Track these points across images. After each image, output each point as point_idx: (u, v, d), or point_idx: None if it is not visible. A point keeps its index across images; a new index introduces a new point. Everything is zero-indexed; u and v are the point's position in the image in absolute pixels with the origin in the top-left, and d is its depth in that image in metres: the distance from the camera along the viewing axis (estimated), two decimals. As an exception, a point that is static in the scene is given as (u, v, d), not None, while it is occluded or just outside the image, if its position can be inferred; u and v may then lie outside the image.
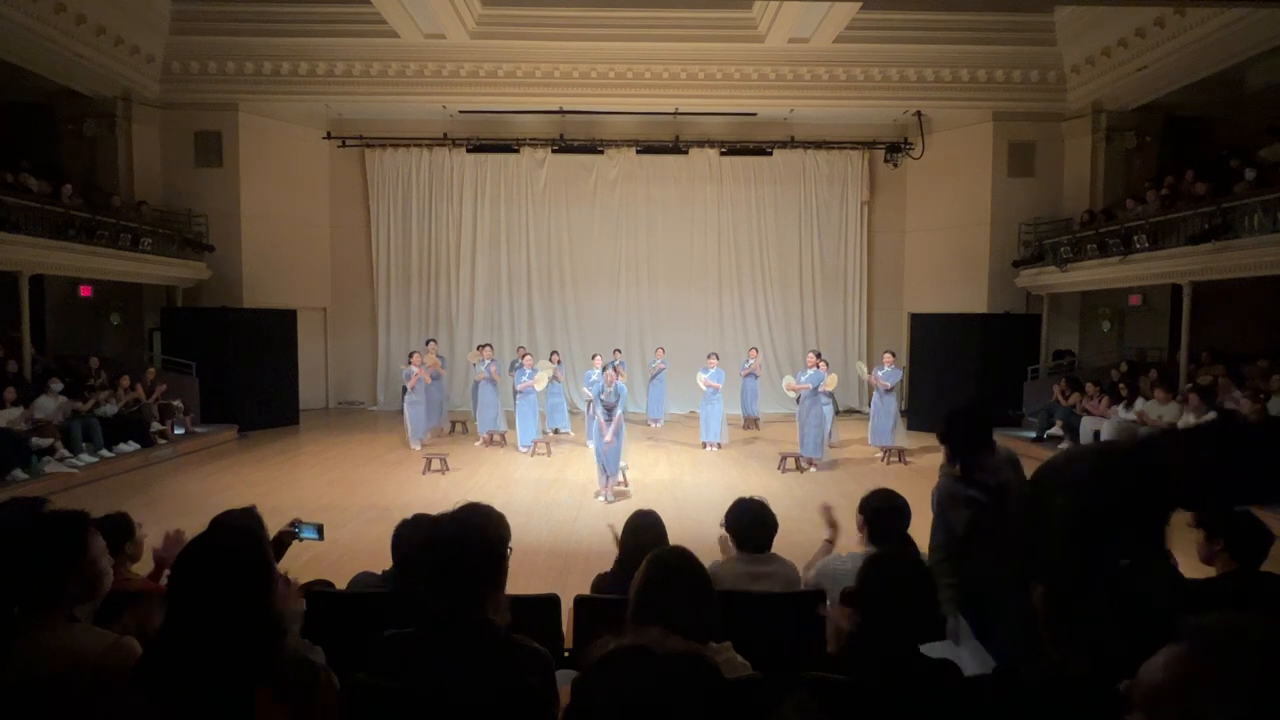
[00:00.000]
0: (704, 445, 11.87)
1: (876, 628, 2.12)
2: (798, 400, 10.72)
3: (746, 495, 3.46)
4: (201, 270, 13.87)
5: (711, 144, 15.56)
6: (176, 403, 12.16)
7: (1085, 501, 1.92)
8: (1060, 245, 12.87)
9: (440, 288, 16.24)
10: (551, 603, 3.15)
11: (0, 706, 1.71)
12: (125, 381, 11.50)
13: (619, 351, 14.44)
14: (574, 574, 5.81)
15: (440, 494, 8.72)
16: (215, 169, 14.20)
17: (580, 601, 3.15)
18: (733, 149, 15.42)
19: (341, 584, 3.39)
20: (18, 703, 1.71)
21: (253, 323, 13.83)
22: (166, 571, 3.21)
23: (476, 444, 12.09)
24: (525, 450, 11.41)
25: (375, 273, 16.27)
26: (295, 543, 3.32)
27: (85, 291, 13.29)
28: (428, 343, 13.47)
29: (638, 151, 15.53)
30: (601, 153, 15.54)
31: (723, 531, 3.47)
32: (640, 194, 16.09)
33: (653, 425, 13.97)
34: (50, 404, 9.93)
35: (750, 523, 3.31)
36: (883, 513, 3.21)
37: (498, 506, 1.99)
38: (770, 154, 15.50)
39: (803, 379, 10.64)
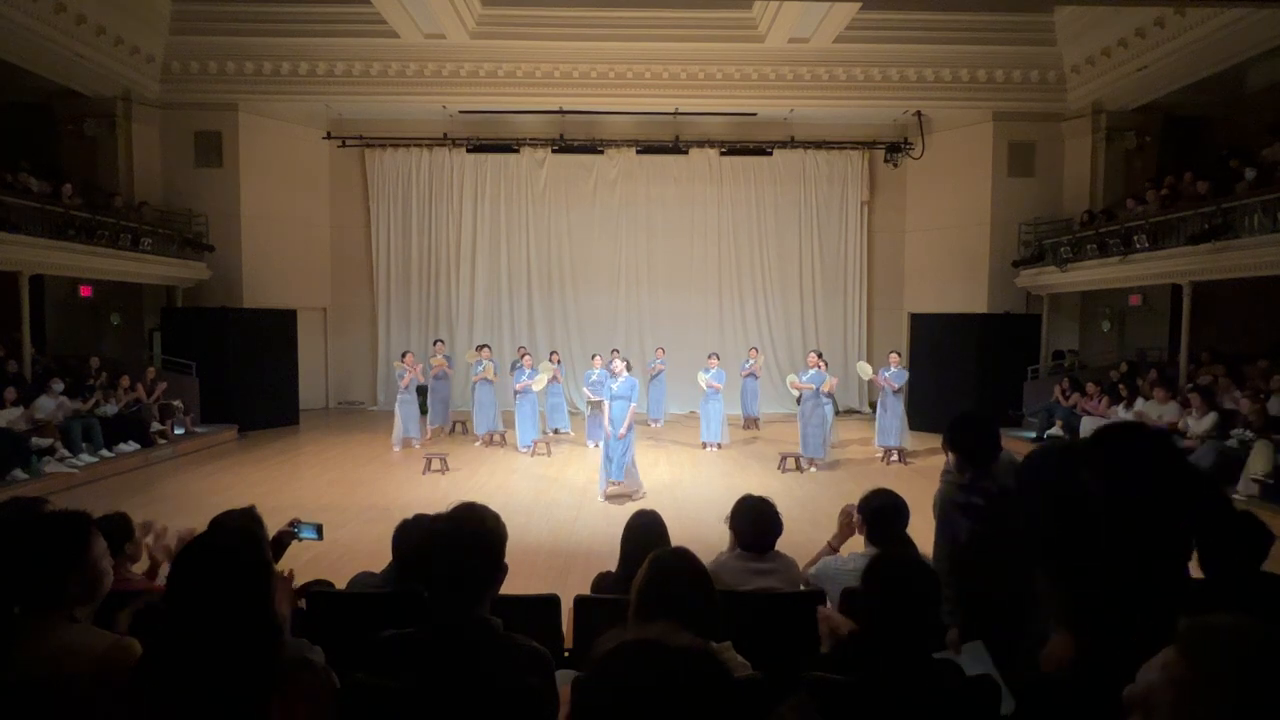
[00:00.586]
0: (704, 445, 11.87)
1: (880, 629, 2.12)
2: (798, 400, 10.72)
3: (753, 494, 3.45)
4: (201, 270, 13.87)
5: (711, 144, 15.56)
6: (176, 403, 12.17)
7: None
8: (1060, 245, 12.87)
9: (440, 288, 16.24)
10: (551, 603, 3.15)
11: (3, 705, 1.71)
12: (125, 381, 11.50)
13: (617, 351, 14.43)
14: (574, 574, 5.81)
15: (440, 494, 8.72)
16: (215, 169, 14.20)
17: (580, 601, 3.15)
18: (733, 149, 15.42)
19: (341, 584, 3.39)
20: (18, 703, 1.71)
21: (253, 323, 13.83)
22: (163, 571, 3.22)
23: (476, 444, 12.09)
24: (525, 450, 11.41)
25: (375, 273, 16.27)
26: (295, 543, 3.32)
27: (85, 291, 13.29)
28: (435, 343, 13.48)
29: (638, 151, 15.53)
30: (601, 153, 15.54)
31: (728, 531, 3.47)
32: (640, 194, 16.09)
33: (653, 425, 13.96)
34: (50, 404, 9.92)
35: (755, 521, 3.31)
36: (882, 513, 3.20)
37: (498, 506, 1.99)
38: (770, 154, 15.50)
39: (804, 379, 10.64)
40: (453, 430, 13.12)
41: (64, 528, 1.94)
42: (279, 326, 14.21)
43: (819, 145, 15.66)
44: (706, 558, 2.40)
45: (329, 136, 15.55)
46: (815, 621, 2.95)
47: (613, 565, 3.51)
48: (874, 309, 16.41)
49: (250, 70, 13.80)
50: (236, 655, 1.62)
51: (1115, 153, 13.91)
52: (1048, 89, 13.86)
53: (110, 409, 10.94)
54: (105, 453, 10.33)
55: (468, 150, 15.45)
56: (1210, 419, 9.29)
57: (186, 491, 9.11)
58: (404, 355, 12.18)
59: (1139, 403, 10.62)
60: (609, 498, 8.74)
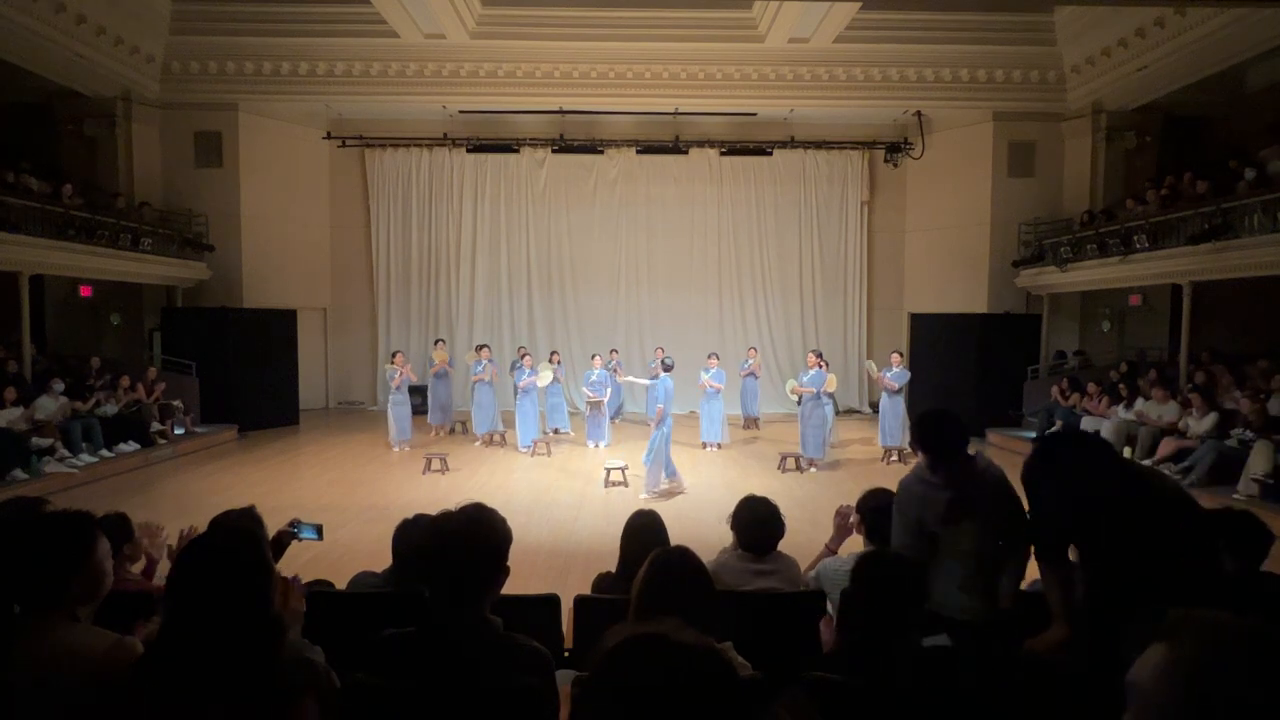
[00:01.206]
0: (704, 445, 11.87)
1: (870, 624, 2.13)
2: (799, 401, 10.72)
3: (755, 494, 3.45)
4: (201, 270, 13.87)
5: (711, 144, 15.56)
6: (176, 403, 12.16)
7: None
8: (1060, 245, 12.87)
9: (440, 288, 16.24)
10: (551, 603, 3.14)
11: (7, 705, 1.71)
12: (125, 381, 11.50)
13: (615, 352, 14.45)
14: (574, 574, 5.80)
15: (440, 494, 8.72)
16: (215, 169, 14.20)
17: (580, 601, 3.15)
18: (733, 149, 15.42)
19: (341, 584, 3.39)
20: (21, 702, 1.71)
21: (253, 323, 13.83)
22: (164, 570, 3.22)
23: (476, 444, 12.09)
24: (525, 450, 11.41)
25: (375, 273, 16.27)
26: (294, 543, 3.32)
27: (85, 291, 13.29)
28: (436, 342, 13.48)
29: (638, 151, 15.53)
30: (601, 153, 15.54)
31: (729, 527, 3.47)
32: (640, 194, 16.09)
33: (653, 425, 13.95)
34: (50, 404, 9.92)
35: (756, 522, 3.31)
36: (881, 513, 3.20)
37: (497, 506, 1.99)
38: (770, 154, 15.50)
39: (805, 379, 10.63)
40: (453, 430, 13.11)
41: (70, 528, 1.95)
42: (279, 326, 14.20)
43: (819, 145, 15.66)
44: (706, 558, 2.40)
45: (329, 136, 15.55)
46: (815, 621, 2.95)
47: (613, 565, 3.51)
48: (874, 309, 16.41)
49: (250, 70, 13.80)
50: (236, 655, 1.62)
51: (1115, 153, 13.91)
52: (1048, 89, 13.86)
53: (110, 409, 10.93)
54: (105, 453, 10.33)
55: (468, 150, 15.45)
56: (1210, 419, 9.29)
57: (186, 491, 9.11)
58: (394, 355, 12.17)
59: (1139, 403, 10.62)
60: (653, 494, 8.88)
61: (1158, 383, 10.46)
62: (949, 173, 14.96)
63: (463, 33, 13.03)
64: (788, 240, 16.22)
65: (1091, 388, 11.69)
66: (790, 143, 15.54)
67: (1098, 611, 2.21)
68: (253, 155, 14.47)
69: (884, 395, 11.15)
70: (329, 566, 4.95)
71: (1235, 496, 8.09)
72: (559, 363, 13.08)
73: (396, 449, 11.56)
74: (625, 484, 9.35)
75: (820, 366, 10.60)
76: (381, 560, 3.36)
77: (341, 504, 8.32)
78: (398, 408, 11.70)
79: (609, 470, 9.49)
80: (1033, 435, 12.17)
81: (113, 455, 10.39)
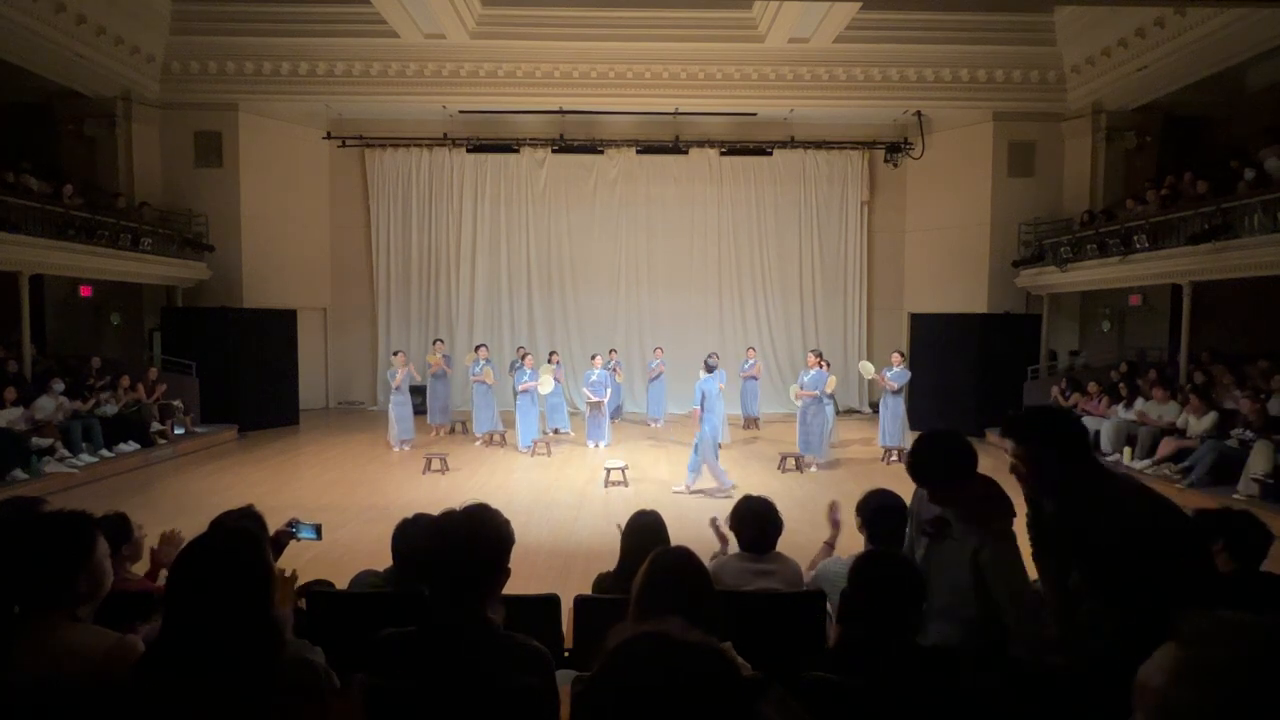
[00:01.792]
0: (704, 445, 11.85)
1: (868, 624, 2.13)
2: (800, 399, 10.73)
3: (753, 494, 3.46)
4: (201, 270, 13.87)
5: (711, 144, 15.56)
6: (176, 403, 12.17)
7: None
8: (1060, 245, 12.87)
9: (440, 288, 16.24)
10: (551, 603, 3.15)
11: (7, 704, 1.71)
12: (125, 381, 11.50)
13: (615, 352, 14.45)
14: (574, 574, 5.81)
15: (440, 494, 8.73)
16: (215, 169, 14.20)
17: (580, 601, 3.15)
18: (733, 149, 15.41)
19: (341, 584, 3.39)
20: (24, 701, 1.71)
21: (253, 323, 13.83)
22: (163, 572, 3.22)
23: (476, 444, 12.09)
24: (525, 450, 11.41)
25: (375, 273, 16.27)
26: (293, 542, 3.32)
27: (85, 291, 13.29)
28: (435, 342, 13.48)
29: (638, 151, 15.53)
30: (601, 153, 15.54)
31: (723, 529, 3.47)
32: (640, 194, 16.09)
33: (653, 425, 13.97)
34: (50, 404, 9.92)
35: (755, 522, 3.31)
36: (881, 513, 3.20)
37: (497, 506, 1.99)
38: (770, 154, 15.50)
39: (805, 379, 10.64)
40: (453, 430, 13.11)
41: (72, 528, 1.96)
42: (279, 326, 14.20)
43: (819, 145, 15.65)
44: (706, 558, 2.40)
45: (329, 136, 15.55)
46: (815, 621, 2.95)
47: (613, 565, 3.51)
48: (874, 309, 16.41)
49: (250, 70, 13.80)
50: (236, 656, 1.62)
51: (1115, 153, 13.91)
52: (1048, 89, 13.86)
53: (110, 409, 10.93)
54: (105, 453, 10.33)
55: (468, 150, 15.45)
56: (1210, 419, 9.29)
57: (186, 491, 9.11)
58: (395, 355, 12.17)
59: (1139, 403, 10.62)
60: (693, 491, 8.94)
61: (1158, 383, 10.46)
62: (949, 173, 14.96)
63: (463, 33, 13.03)
64: (788, 240, 16.22)
65: (1092, 388, 11.69)
66: (790, 143, 15.54)
67: (1093, 614, 2.20)
68: (253, 155, 14.47)
69: (884, 395, 11.15)
70: (329, 566, 4.95)
71: (1235, 496, 8.09)
72: (558, 363, 13.07)
73: (397, 449, 11.56)
74: (625, 484, 9.34)
75: (821, 366, 10.60)
76: (381, 560, 3.36)
77: (341, 504, 8.33)
78: (399, 407, 11.70)
79: (609, 470, 9.49)
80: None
81: (113, 455, 10.39)
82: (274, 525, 3.28)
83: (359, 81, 13.94)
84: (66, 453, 9.72)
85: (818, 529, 3.76)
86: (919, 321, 14.89)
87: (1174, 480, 8.98)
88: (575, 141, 15.30)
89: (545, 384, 11.89)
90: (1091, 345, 14.35)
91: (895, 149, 15.37)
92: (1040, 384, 13.17)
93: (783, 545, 3.39)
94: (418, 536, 3.13)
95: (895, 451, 10.98)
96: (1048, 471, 2.32)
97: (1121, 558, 2.10)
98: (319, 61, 13.71)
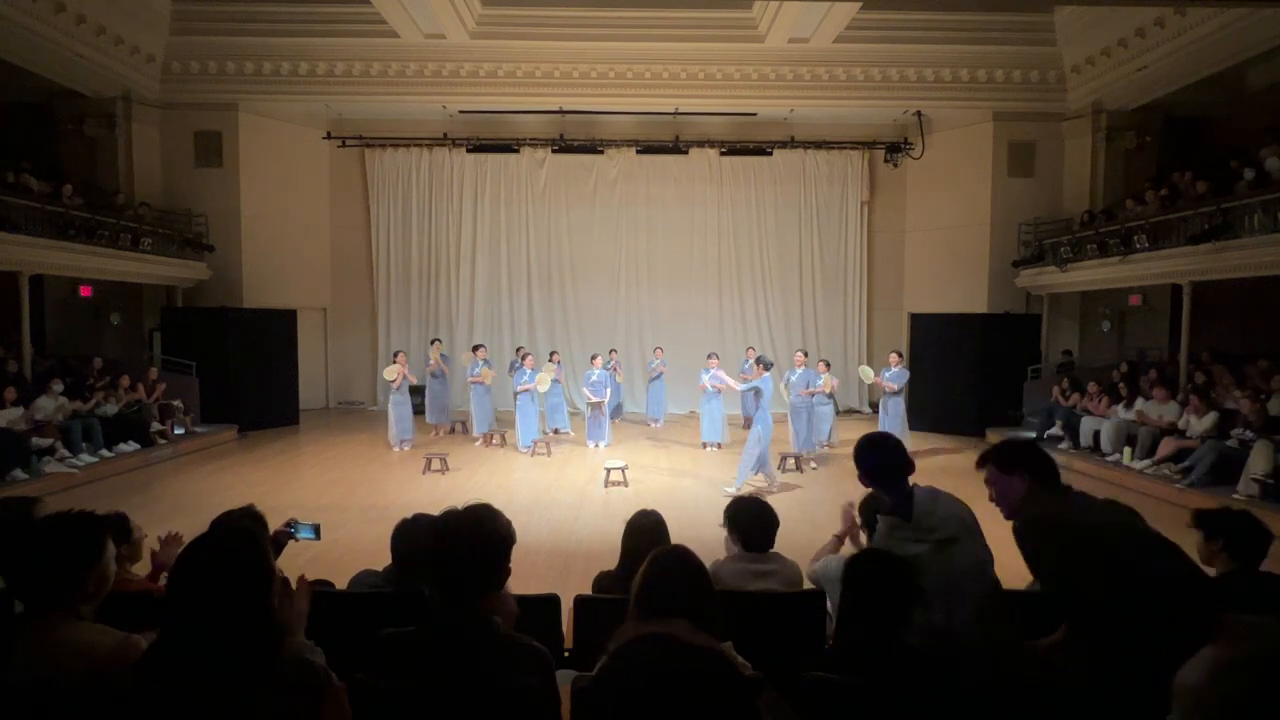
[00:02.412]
0: (704, 445, 11.86)
1: (861, 623, 2.14)
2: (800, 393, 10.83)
3: (747, 494, 3.46)
4: (201, 270, 13.87)
5: (711, 144, 15.56)
6: (176, 403, 12.16)
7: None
8: (1060, 245, 12.87)
9: (440, 288, 16.24)
10: (551, 603, 3.14)
11: (13, 702, 1.72)
12: (125, 381, 11.50)
13: (614, 351, 14.45)
14: (574, 574, 5.81)
15: (440, 494, 8.73)
16: (215, 169, 14.20)
17: (580, 601, 3.15)
18: (733, 149, 15.41)
19: (341, 584, 3.38)
20: (30, 698, 1.72)
21: (253, 323, 13.82)
22: (164, 573, 3.22)
23: (476, 444, 12.09)
24: (525, 450, 11.41)
25: (375, 273, 16.27)
26: (292, 542, 3.32)
27: (85, 291, 13.29)
28: (433, 342, 13.48)
29: (638, 151, 15.53)
30: (601, 153, 15.54)
31: (725, 532, 3.47)
32: (640, 194, 16.09)
33: (653, 425, 13.97)
34: (50, 404, 9.92)
35: (752, 522, 3.30)
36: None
37: (498, 506, 2.00)
38: (770, 154, 15.50)
39: (793, 379, 10.75)
40: (453, 430, 13.11)
41: (83, 528, 1.99)
42: (279, 326, 14.20)
43: (819, 145, 15.65)
44: (706, 557, 2.40)
45: (329, 136, 15.55)
46: (815, 621, 2.95)
47: (613, 565, 3.51)
48: (874, 309, 16.41)
49: (250, 70, 13.80)
50: (236, 655, 1.62)
51: (1115, 153, 13.91)
52: (1048, 89, 13.86)
53: (110, 409, 10.93)
54: (105, 453, 10.32)
55: (468, 150, 15.45)
56: (1210, 419, 9.29)
57: (186, 491, 9.11)
58: (396, 355, 12.16)
59: (1139, 403, 10.62)
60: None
61: (1158, 383, 10.46)
62: (949, 173, 14.96)
63: (463, 33, 13.03)
64: (788, 240, 16.22)
65: (1092, 388, 11.69)
66: (790, 143, 15.54)
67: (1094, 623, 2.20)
68: (253, 155, 14.47)
69: (884, 395, 11.16)
70: (329, 566, 4.95)
71: (1235, 496, 8.10)
72: (559, 362, 13.07)
73: (397, 449, 11.56)
74: (625, 484, 9.34)
75: (804, 365, 10.74)
76: (381, 560, 3.35)
77: (341, 504, 8.32)
78: (399, 407, 11.70)
79: (609, 470, 9.49)
80: (1033, 435, 12.18)
81: (113, 455, 10.38)
82: (274, 525, 3.28)
83: (359, 81, 13.94)
84: (66, 453, 9.71)
85: (818, 529, 3.76)
86: (919, 321, 14.89)
87: (1174, 480, 8.99)
88: (575, 141, 15.30)
89: (543, 382, 11.89)
90: (1091, 345, 14.35)
91: (895, 149, 15.37)
92: (1040, 384, 13.17)
93: (783, 545, 3.38)
94: (418, 536, 3.12)
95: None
96: (1012, 497, 2.60)
97: (1064, 580, 2.25)
98: (319, 61, 13.71)
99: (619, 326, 16.23)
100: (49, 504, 2.74)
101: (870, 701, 1.95)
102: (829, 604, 3.10)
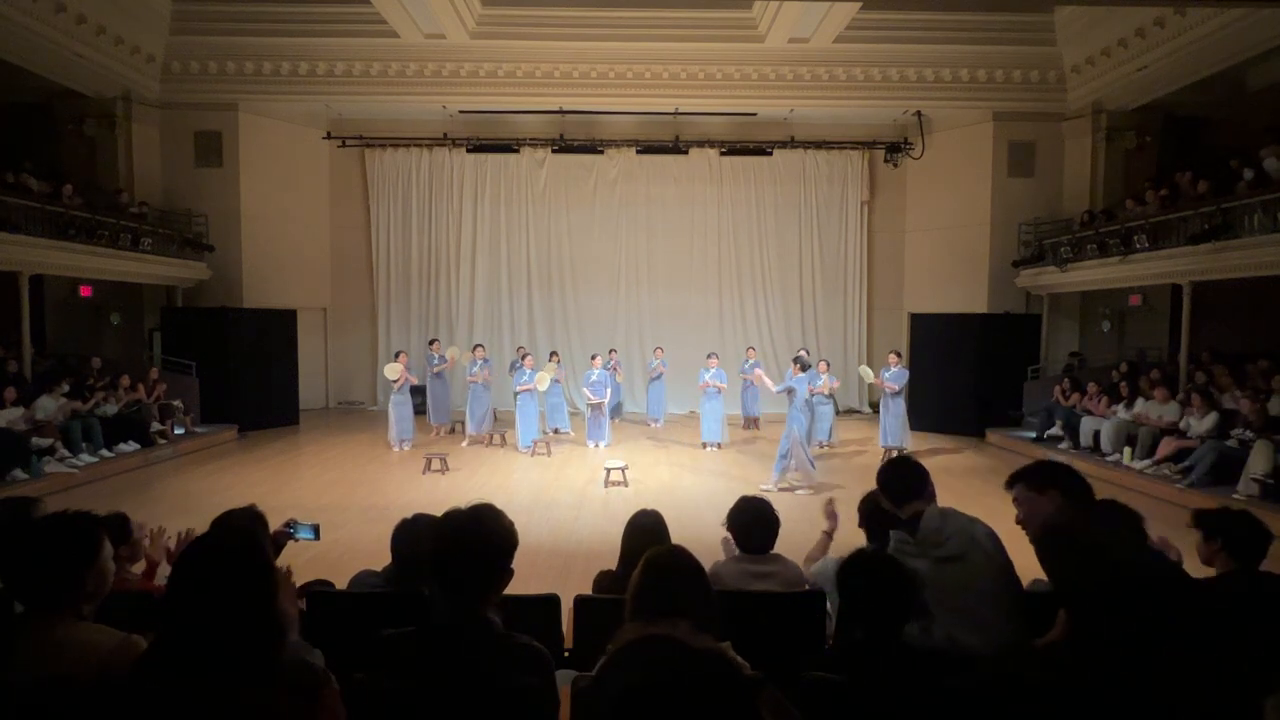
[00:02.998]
0: (704, 445, 11.87)
1: (858, 624, 2.14)
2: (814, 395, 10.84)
3: (748, 494, 3.46)
4: (201, 270, 13.87)
5: (711, 144, 15.56)
6: (176, 403, 12.16)
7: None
8: (1060, 245, 12.87)
9: (440, 288, 16.24)
10: (551, 603, 3.14)
11: (13, 702, 1.72)
12: (126, 381, 11.50)
13: (614, 352, 14.45)
14: (574, 574, 5.80)
15: (440, 494, 8.73)
16: (215, 169, 14.20)
17: (580, 601, 3.15)
18: (733, 149, 15.41)
19: (341, 584, 3.39)
20: (30, 698, 1.72)
21: (253, 323, 13.83)
22: (162, 572, 3.22)
23: (464, 444, 12.01)
24: (525, 450, 11.41)
25: (375, 273, 16.27)
26: (291, 543, 3.32)
27: (85, 291, 13.29)
28: (431, 342, 13.48)
29: (638, 151, 15.53)
30: (601, 153, 15.54)
31: (725, 533, 3.46)
32: (640, 194, 16.09)
33: (653, 425, 13.97)
34: (50, 404, 9.92)
35: (752, 523, 3.30)
36: (882, 513, 3.20)
37: (498, 506, 1.99)
38: (770, 154, 15.50)
39: (791, 381, 10.74)
40: (453, 430, 13.11)
41: (80, 528, 1.99)
42: (279, 326, 14.20)
43: (819, 145, 15.65)
44: (706, 558, 2.40)
45: (329, 136, 15.55)
46: (815, 621, 2.95)
47: (613, 565, 3.51)
48: (874, 309, 16.41)
49: (250, 70, 13.80)
50: (236, 655, 1.62)
51: (1115, 153, 13.90)
52: (1048, 89, 13.86)
53: (110, 409, 10.93)
54: (105, 453, 10.33)
55: (468, 150, 15.45)
56: (1210, 419, 9.29)
57: (186, 491, 9.11)
58: (398, 355, 12.15)
59: (1139, 403, 10.62)
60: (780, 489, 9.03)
61: (1160, 382, 10.46)
62: (949, 173, 14.95)
63: (463, 33, 13.03)
64: (788, 240, 16.22)
65: (1091, 388, 11.69)
66: (790, 143, 15.54)
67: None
68: (253, 155, 14.47)
69: (884, 395, 11.16)
70: (329, 566, 4.95)
71: (1235, 496, 8.10)
72: (559, 362, 13.07)
73: (397, 449, 11.56)
74: (625, 484, 9.34)
75: (796, 371, 10.71)
76: (381, 560, 3.35)
77: (341, 504, 8.32)
78: (399, 407, 11.69)
79: (609, 470, 9.49)
80: (1033, 435, 12.18)
81: (113, 455, 10.39)
82: (274, 525, 3.28)
83: (359, 81, 13.94)
84: (66, 453, 9.72)
85: (818, 529, 3.75)
86: (919, 321, 14.89)
87: (1174, 480, 8.99)
88: (575, 141, 15.30)
89: (543, 382, 11.89)
90: (1092, 345, 14.35)
91: (895, 149, 15.37)
92: (1040, 384, 13.18)
93: (783, 545, 3.38)
94: (418, 536, 3.12)
95: (895, 452, 10.98)
96: (1041, 516, 2.57)
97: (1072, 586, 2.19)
98: (319, 61, 13.71)
99: (619, 326, 16.23)
100: (49, 504, 2.74)
101: (870, 701, 1.95)
102: (829, 604, 3.11)
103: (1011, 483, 2.69)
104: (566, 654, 3.06)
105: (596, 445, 11.86)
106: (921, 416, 12.99)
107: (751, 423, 14.13)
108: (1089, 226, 12.75)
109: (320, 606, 3.03)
